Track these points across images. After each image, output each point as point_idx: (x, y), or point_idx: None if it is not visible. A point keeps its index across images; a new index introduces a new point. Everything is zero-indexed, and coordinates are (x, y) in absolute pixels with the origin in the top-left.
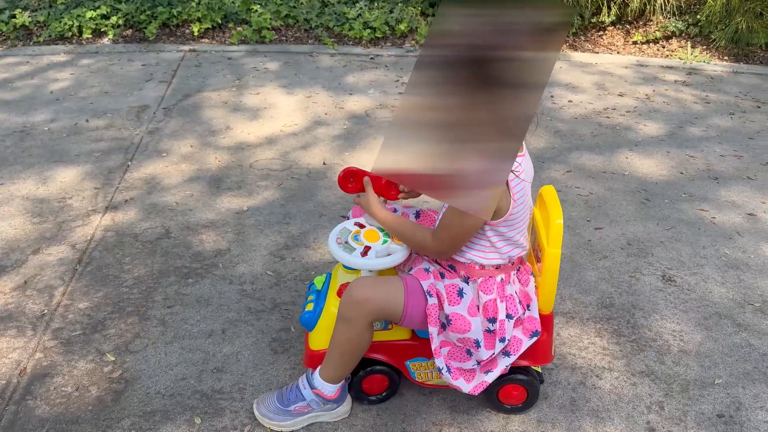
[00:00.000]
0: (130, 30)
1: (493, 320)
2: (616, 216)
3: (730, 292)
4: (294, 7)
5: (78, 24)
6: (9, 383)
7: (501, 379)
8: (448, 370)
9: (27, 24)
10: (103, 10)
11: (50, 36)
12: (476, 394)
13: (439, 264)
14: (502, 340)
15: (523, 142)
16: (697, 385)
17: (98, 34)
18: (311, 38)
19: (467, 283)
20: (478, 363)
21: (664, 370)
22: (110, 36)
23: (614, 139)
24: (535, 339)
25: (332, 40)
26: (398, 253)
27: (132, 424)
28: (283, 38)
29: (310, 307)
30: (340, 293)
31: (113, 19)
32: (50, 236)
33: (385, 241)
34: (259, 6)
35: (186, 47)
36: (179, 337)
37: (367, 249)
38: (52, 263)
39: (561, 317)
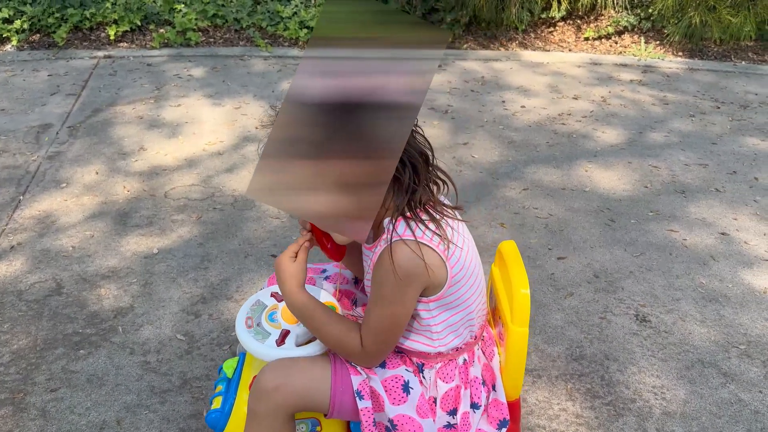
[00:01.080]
0: (38, 35)
1: (453, 412)
2: (580, 242)
3: (712, 333)
4: (222, 5)
5: None
6: None
7: None
8: None
9: None
10: (5, 13)
11: None
12: None
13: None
14: None
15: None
16: None
17: (1, 40)
18: (242, 39)
19: (421, 371)
20: None
21: None
22: (14, 42)
23: (571, 149)
24: (504, 429)
25: (265, 41)
26: (305, 350)
27: None
28: (211, 40)
29: (217, 402)
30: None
31: (17, 23)
32: None
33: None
34: (183, 5)
35: (101, 53)
36: None
37: (285, 333)
38: None
39: (527, 377)
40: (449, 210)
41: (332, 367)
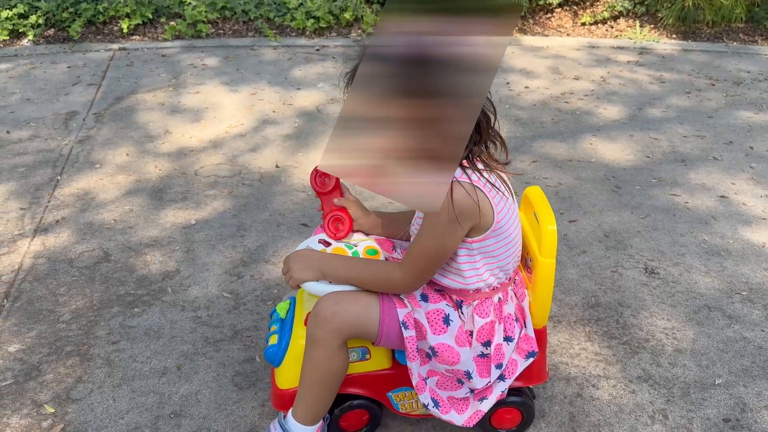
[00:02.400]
0: (53, 29)
1: (488, 344)
2: (589, 206)
3: (716, 282)
4: None
5: None
6: None
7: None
8: (436, 404)
9: None
10: (20, 8)
11: None
12: (471, 426)
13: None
14: (499, 366)
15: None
16: (697, 388)
17: (16, 35)
18: (251, 30)
19: (460, 307)
20: (472, 391)
21: (661, 374)
22: (30, 37)
23: (576, 124)
24: (531, 360)
25: (274, 31)
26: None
27: None
28: (221, 32)
29: (274, 339)
30: (307, 322)
31: (32, 18)
32: None
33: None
34: None
35: (115, 46)
36: (128, 379)
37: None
38: None
39: (548, 322)
40: (500, 165)
41: (380, 300)
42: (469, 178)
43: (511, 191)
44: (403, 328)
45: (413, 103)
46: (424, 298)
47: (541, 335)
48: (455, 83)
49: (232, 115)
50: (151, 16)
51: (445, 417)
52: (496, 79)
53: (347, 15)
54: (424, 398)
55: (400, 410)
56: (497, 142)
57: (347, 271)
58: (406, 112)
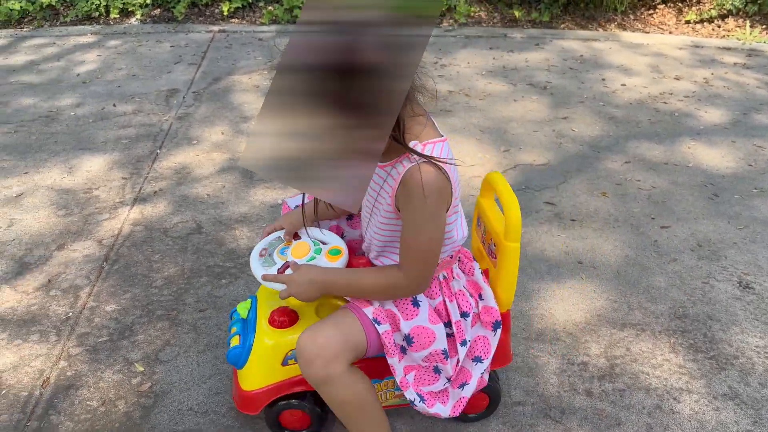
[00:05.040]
0: (159, 9)
1: (448, 324)
2: (683, 213)
3: None
4: None
5: (105, 3)
6: (31, 395)
7: None
8: (422, 399)
9: (53, 3)
10: None
11: (77, 16)
12: (457, 415)
13: None
14: (464, 343)
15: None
16: None
17: (126, 13)
18: None
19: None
20: (448, 380)
21: (750, 393)
22: (138, 16)
23: (674, 126)
24: (499, 330)
25: None
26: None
27: None
28: None
29: (236, 341)
30: (272, 321)
31: None
32: (76, 231)
33: (311, 258)
34: None
35: (215, 27)
36: (212, 346)
37: (286, 266)
38: (77, 260)
39: (630, 329)
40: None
41: (353, 311)
42: (428, 158)
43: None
44: (376, 325)
45: (343, 76)
46: None
47: (504, 318)
48: (386, 52)
49: None
50: (250, 1)
51: (431, 411)
52: (591, 75)
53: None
54: (410, 394)
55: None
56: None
57: (349, 286)
58: (336, 88)
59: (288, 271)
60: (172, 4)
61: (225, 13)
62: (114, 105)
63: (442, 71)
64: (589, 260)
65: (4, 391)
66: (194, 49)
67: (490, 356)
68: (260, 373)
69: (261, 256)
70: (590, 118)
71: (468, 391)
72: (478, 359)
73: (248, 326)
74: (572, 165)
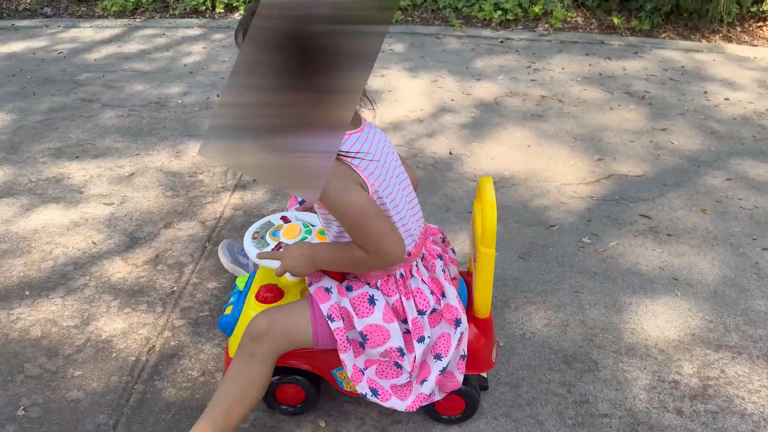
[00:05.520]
0: None
1: (405, 321)
2: None
3: None
4: None
5: None
6: (138, 361)
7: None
8: (375, 393)
9: None
10: None
11: (185, 9)
12: (415, 410)
13: (345, 278)
14: (421, 340)
15: (364, 121)
16: None
17: (230, 8)
18: (438, 19)
19: (377, 287)
20: (411, 374)
21: None
22: (241, 11)
23: None
24: (460, 329)
25: (460, 21)
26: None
27: (256, 419)
28: (409, 18)
29: (229, 310)
30: (258, 296)
31: None
32: (181, 211)
33: (303, 238)
34: None
35: None
36: None
37: (278, 246)
38: (182, 239)
39: (726, 351)
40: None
41: (310, 306)
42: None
43: (384, 151)
44: (329, 322)
45: (298, 74)
46: (349, 288)
47: (486, 325)
48: (341, 51)
49: (412, 100)
50: None
51: (386, 404)
52: (692, 87)
53: (537, 8)
54: (361, 388)
55: (345, 388)
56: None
57: (330, 259)
58: (291, 84)
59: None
60: None
61: None
62: (218, 95)
63: (535, 75)
64: (685, 277)
65: (114, 355)
66: None
67: (449, 355)
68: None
69: (254, 238)
70: (690, 131)
71: (427, 388)
72: (438, 356)
73: (242, 298)
74: (670, 178)
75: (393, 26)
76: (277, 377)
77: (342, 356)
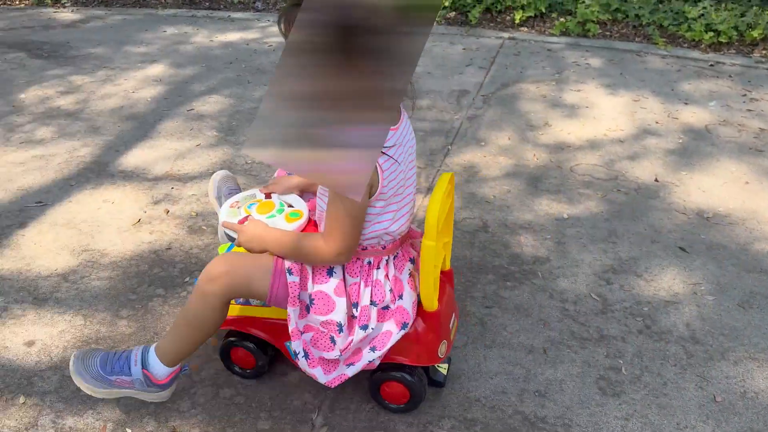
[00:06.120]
0: (454, 13)
1: (356, 305)
2: None
3: None
4: (625, 0)
5: None
6: None
7: (381, 375)
8: (306, 355)
9: None
10: None
11: None
12: (332, 387)
13: None
14: (364, 327)
15: (403, 116)
16: None
17: None
18: (639, 36)
19: (342, 265)
20: (341, 354)
21: None
22: (436, 17)
23: None
24: (403, 331)
25: (664, 40)
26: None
27: (452, 427)
28: (608, 33)
29: None
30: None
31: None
32: None
33: (271, 216)
34: None
35: (505, 34)
36: (499, 345)
37: (244, 219)
38: None
39: None
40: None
41: (275, 262)
42: None
43: (406, 154)
44: (287, 274)
45: (342, 72)
46: None
47: (432, 318)
48: (385, 50)
49: (611, 118)
50: (543, 10)
51: (310, 371)
52: None
53: (755, 33)
54: (296, 346)
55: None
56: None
57: (281, 245)
58: (335, 82)
59: (245, 223)
60: (468, 8)
61: (516, 21)
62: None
63: (751, 105)
64: None
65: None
66: (484, 54)
67: (384, 349)
68: None
69: (232, 207)
70: None
71: (351, 371)
72: (373, 349)
73: None
74: None
75: (589, 40)
76: (233, 338)
77: (289, 309)
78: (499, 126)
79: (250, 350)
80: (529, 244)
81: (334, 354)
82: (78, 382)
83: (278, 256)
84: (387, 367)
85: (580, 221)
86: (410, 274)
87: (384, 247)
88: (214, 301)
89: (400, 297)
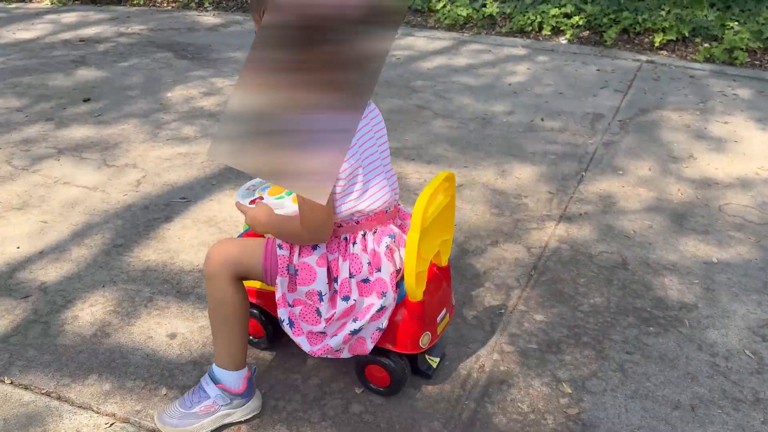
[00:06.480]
0: (587, 32)
1: (336, 279)
2: None
3: None
4: None
5: (540, 20)
6: (469, 376)
7: (365, 357)
8: (291, 324)
9: (494, 14)
10: (568, 8)
11: (512, 28)
12: (316, 356)
13: None
14: (345, 299)
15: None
16: None
17: (556, 31)
18: None
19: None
20: (326, 325)
21: None
22: (567, 35)
23: None
24: (382, 301)
25: None
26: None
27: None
28: (757, 62)
29: None
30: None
31: (575, 19)
32: (507, 232)
33: (279, 197)
34: (736, 23)
35: (643, 57)
36: (641, 395)
37: (254, 200)
38: (508, 260)
39: None
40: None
41: (264, 245)
42: None
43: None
44: (278, 249)
45: (309, 72)
46: None
47: (414, 308)
48: (353, 50)
49: (763, 156)
50: (686, 34)
51: (296, 339)
52: None
53: None
54: (282, 314)
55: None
56: None
57: (273, 229)
58: (303, 82)
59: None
60: (604, 28)
61: (656, 44)
62: (542, 119)
63: None
64: None
65: (447, 363)
66: (620, 76)
67: (365, 320)
68: None
69: (248, 189)
70: None
71: (334, 342)
72: (355, 320)
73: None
74: None
75: (737, 68)
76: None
77: (277, 279)
78: (638, 155)
79: (255, 317)
80: (674, 287)
81: (320, 327)
82: (168, 431)
83: (275, 237)
84: (372, 350)
85: (731, 267)
86: (388, 247)
87: (358, 223)
88: (222, 281)
89: (378, 270)
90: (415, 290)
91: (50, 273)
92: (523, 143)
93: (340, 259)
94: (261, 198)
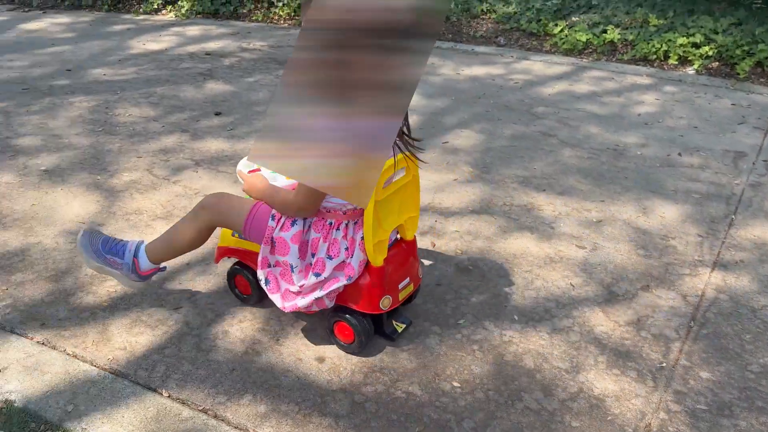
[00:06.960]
0: (717, 63)
1: (313, 255)
2: None
3: None
4: None
5: (665, 48)
6: None
7: (333, 315)
8: (267, 282)
9: (615, 40)
10: (697, 38)
11: (634, 56)
12: (286, 312)
13: None
14: (317, 275)
15: None
16: None
17: (683, 61)
18: None
19: (311, 221)
20: (300, 289)
21: None
22: (695, 66)
23: None
24: (348, 282)
25: None
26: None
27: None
28: None
29: None
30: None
31: (704, 49)
32: (657, 276)
33: (274, 171)
34: None
35: None
36: None
37: (254, 170)
38: (662, 308)
39: None
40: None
41: (251, 207)
42: None
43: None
44: (270, 219)
45: (349, 80)
46: None
47: (374, 273)
48: (391, 61)
49: None
50: None
51: (270, 295)
52: None
53: None
54: (261, 274)
55: None
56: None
57: (266, 197)
58: (343, 90)
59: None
60: (736, 60)
61: None
62: (679, 154)
63: None
64: None
65: (609, 418)
66: (758, 113)
67: (329, 290)
68: (223, 237)
69: (248, 160)
70: None
71: (301, 302)
72: (321, 289)
73: None
74: None
75: None
76: (237, 267)
77: (262, 246)
78: None
79: (245, 277)
80: None
81: (294, 288)
82: (80, 252)
83: (267, 205)
84: (339, 309)
85: None
86: (362, 238)
87: (344, 213)
88: (201, 225)
89: (352, 256)
90: (375, 256)
91: (198, 285)
92: (661, 179)
93: (322, 240)
94: (259, 169)
